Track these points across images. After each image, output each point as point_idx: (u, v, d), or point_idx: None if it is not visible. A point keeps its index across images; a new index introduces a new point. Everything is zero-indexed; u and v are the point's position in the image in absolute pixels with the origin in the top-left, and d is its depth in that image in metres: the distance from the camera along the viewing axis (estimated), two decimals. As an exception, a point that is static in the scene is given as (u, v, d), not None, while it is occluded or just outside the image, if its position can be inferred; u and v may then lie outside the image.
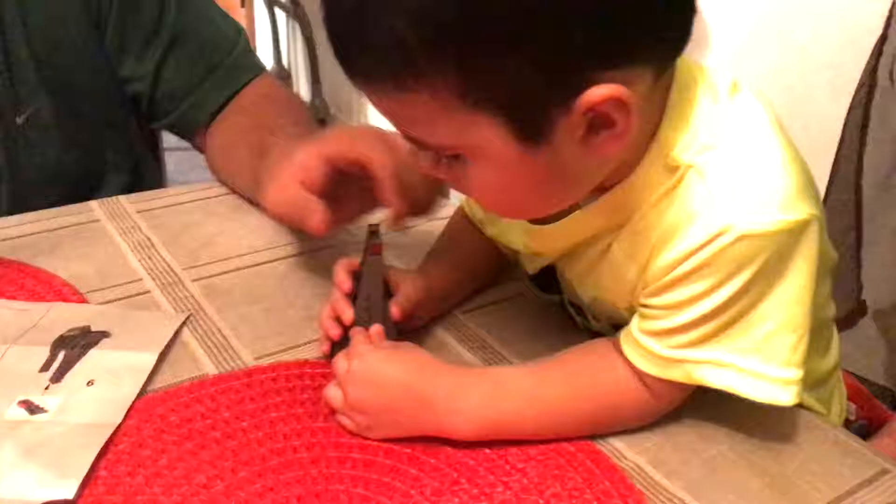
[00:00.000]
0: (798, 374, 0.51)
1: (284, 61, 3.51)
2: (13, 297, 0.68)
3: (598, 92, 0.44)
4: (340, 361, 0.56)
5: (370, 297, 0.61)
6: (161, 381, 0.59)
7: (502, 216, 0.61)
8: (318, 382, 0.59)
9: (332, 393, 0.56)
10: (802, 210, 0.49)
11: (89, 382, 0.58)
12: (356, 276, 0.61)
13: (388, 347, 0.56)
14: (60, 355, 0.61)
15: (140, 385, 0.59)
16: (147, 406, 0.57)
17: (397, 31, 0.42)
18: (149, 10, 0.90)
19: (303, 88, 3.29)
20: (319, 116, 2.87)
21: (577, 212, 0.55)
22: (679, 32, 0.48)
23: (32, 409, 0.56)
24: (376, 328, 0.58)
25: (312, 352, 0.63)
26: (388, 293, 0.62)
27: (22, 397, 0.56)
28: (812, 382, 0.62)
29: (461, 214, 0.71)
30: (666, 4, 0.46)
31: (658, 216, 0.51)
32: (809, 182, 0.52)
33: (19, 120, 0.87)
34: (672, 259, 0.50)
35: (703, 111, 0.51)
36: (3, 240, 0.77)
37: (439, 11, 0.41)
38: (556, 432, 0.55)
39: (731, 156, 0.50)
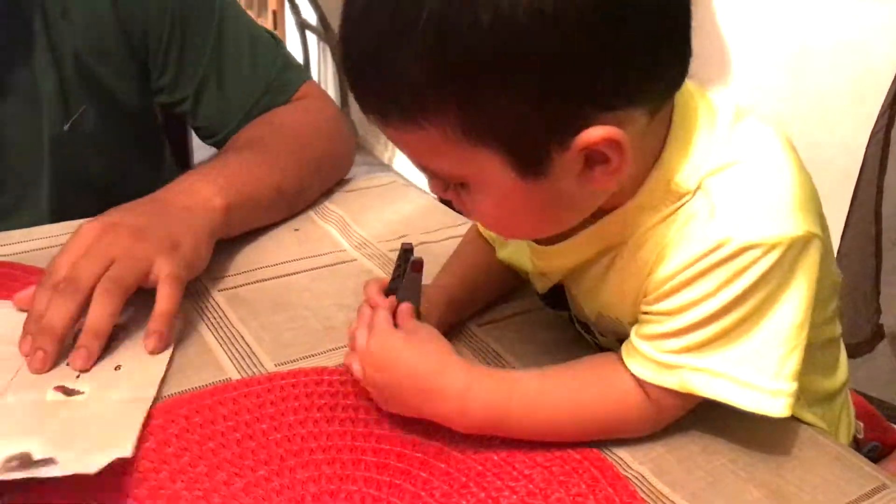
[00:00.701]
0: (790, 386, 0.52)
1: (314, 83, 3.57)
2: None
3: (594, 133, 0.47)
4: (360, 335, 0.58)
5: None
6: (186, 384, 0.62)
7: (504, 237, 0.64)
8: (335, 389, 0.62)
9: (354, 366, 0.59)
10: (802, 227, 0.51)
11: (116, 367, 0.62)
12: (387, 294, 0.62)
13: (410, 330, 0.58)
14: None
15: (165, 364, 0.63)
16: (172, 407, 0.59)
17: (406, 73, 0.46)
18: (194, 46, 0.94)
19: (332, 110, 3.34)
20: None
21: (578, 234, 0.57)
22: (675, 75, 0.51)
23: (69, 392, 0.59)
24: (405, 307, 0.60)
25: (331, 360, 0.65)
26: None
27: (57, 384, 0.60)
28: (816, 400, 0.64)
29: (475, 231, 0.73)
30: (662, 51, 0.49)
31: (662, 232, 0.54)
32: (815, 204, 0.54)
33: (66, 126, 0.91)
34: (673, 269, 0.52)
35: (706, 138, 0.53)
36: (47, 248, 0.80)
37: (444, 55, 0.45)
38: (558, 437, 0.56)
39: (737, 174, 0.52)
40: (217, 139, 0.97)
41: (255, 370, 0.64)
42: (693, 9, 0.50)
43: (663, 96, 0.51)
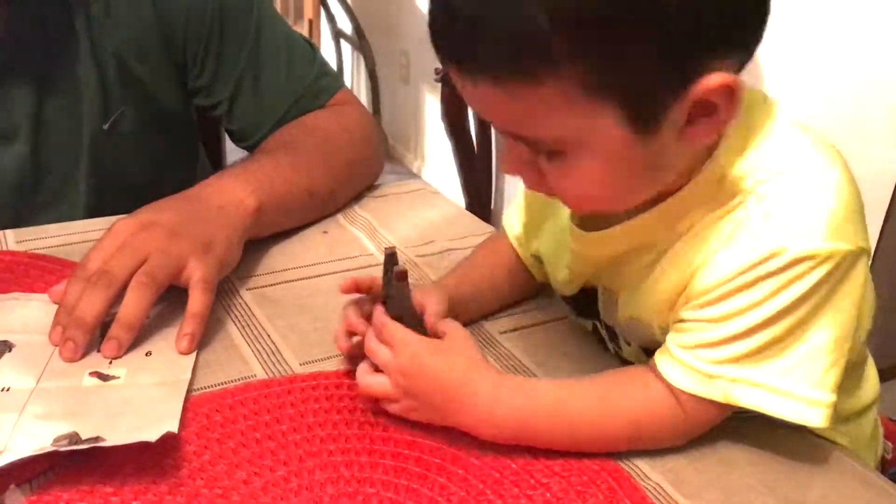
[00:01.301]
0: (830, 397, 0.52)
1: (348, 91, 3.60)
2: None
3: (714, 80, 0.47)
4: (382, 351, 0.58)
5: (401, 320, 0.60)
6: (212, 379, 0.63)
7: (582, 209, 0.60)
8: (354, 392, 0.62)
9: (374, 380, 0.58)
10: (855, 241, 0.51)
11: (147, 353, 0.64)
12: (383, 301, 0.61)
13: (440, 336, 0.58)
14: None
15: (195, 351, 0.65)
16: (194, 405, 0.60)
17: (532, 19, 0.44)
18: (232, 50, 0.95)
19: (364, 118, 3.37)
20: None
21: (625, 222, 0.57)
22: (761, 28, 0.51)
23: (104, 377, 0.61)
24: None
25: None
26: (417, 315, 0.63)
27: (91, 370, 0.62)
28: (842, 419, 0.63)
29: (494, 236, 0.73)
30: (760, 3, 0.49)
31: (709, 234, 0.54)
32: (864, 219, 0.53)
33: (105, 126, 0.92)
34: (722, 276, 0.52)
35: (762, 139, 0.54)
36: (83, 242, 0.82)
37: (576, 4, 0.44)
38: (583, 448, 0.56)
39: (791, 183, 0.52)
40: (250, 143, 0.98)
41: (280, 368, 0.65)
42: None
43: (747, 52, 0.51)
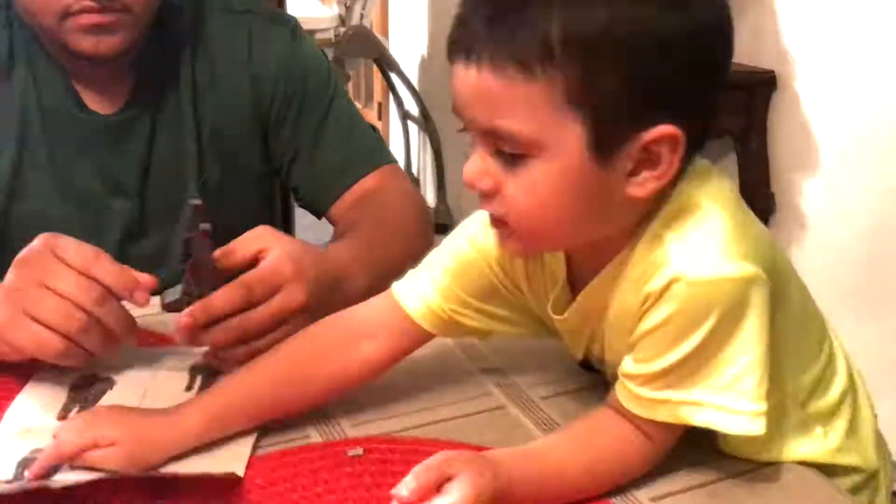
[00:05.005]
0: (763, 406, 0.58)
1: (414, 168, 3.72)
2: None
3: (665, 129, 0.55)
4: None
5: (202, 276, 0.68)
6: (268, 442, 0.68)
7: (525, 235, 0.61)
8: (384, 456, 0.66)
9: None
10: (745, 268, 0.56)
11: None
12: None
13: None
14: (199, 379, 0.76)
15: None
16: (258, 462, 0.65)
17: (548, 23, 0.53)
18: (306, 118, 1.05)
19: (429, 194, 3.47)
20: (442, 221, 3.02)
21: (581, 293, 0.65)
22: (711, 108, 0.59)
23: None
24: None
25: (394, 425, 0.71)
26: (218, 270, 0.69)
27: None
28: (821, 417, 0.68)
29: None
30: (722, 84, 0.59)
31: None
32: (765, 254, 0.60)
33: (199, 182, 1.02)
34: (642, 328, 0.59)
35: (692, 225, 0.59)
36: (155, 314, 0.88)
37: (586, 26, 0.53)
38: (578, 495, 0.61)
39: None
40: (304, 202, 1.08)
41: (332, 431, 0.70)
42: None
43: (701, 122, 0.58)
